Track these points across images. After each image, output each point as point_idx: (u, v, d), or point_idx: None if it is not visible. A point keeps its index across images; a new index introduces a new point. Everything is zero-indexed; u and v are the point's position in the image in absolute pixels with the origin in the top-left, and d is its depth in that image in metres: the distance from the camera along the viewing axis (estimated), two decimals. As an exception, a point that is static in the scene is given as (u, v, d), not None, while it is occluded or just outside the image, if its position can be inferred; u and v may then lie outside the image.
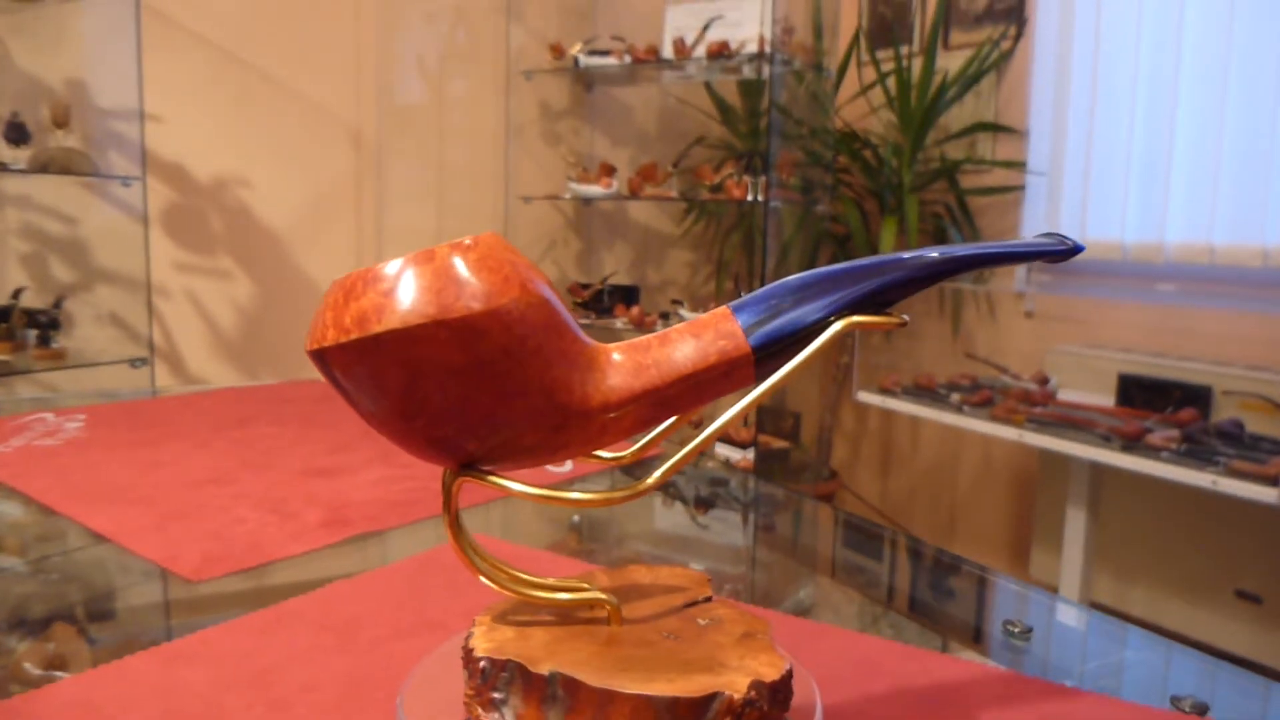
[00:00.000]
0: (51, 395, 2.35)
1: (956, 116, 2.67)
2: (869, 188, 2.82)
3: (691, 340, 0.35)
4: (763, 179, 2.51)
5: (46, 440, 0.97)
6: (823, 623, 0.60)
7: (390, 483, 0.87)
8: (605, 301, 2.94)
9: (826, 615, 0.71)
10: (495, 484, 0.37)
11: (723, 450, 2.91)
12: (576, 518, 0.90)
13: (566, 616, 0.39)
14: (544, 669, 0.34)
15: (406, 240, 2.79)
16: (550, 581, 0.40)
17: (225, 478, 0.87)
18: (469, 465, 0.37)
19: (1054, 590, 2.23)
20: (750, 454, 2.81)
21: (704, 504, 1.05)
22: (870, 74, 2.79)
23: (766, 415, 3.02)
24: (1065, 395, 2.35)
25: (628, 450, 0.40)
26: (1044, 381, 2.38)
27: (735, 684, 0.32)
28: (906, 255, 0.36)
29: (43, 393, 2.34)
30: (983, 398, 2.31)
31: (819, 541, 0.93)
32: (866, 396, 2.52)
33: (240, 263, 2.59)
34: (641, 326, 2.82)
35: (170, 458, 0.93)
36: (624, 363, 0.35)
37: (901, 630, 0.65)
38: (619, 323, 2.85)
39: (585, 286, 2.99)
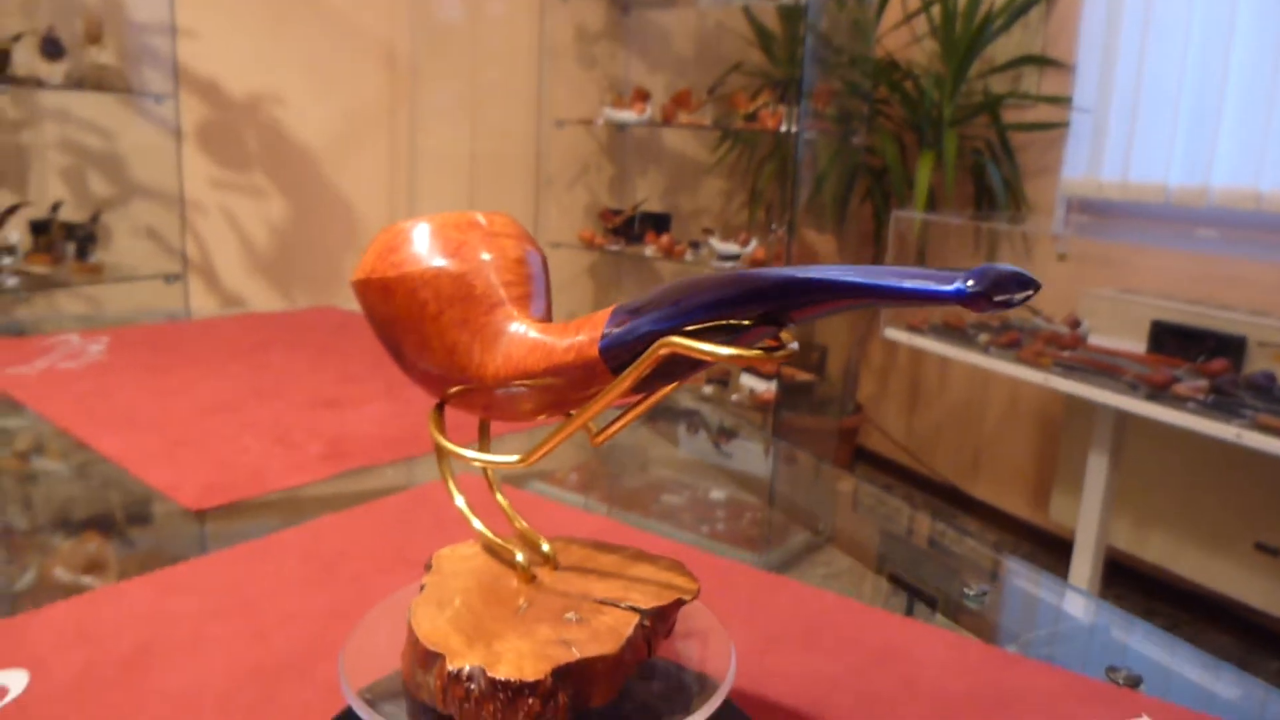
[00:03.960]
0: (85, 313, 2.41)
1: (1002, 48, 2.58)
2: (908, 120, 2.75)
3: (574, 332, 0.34)
4: (796, 109, 2.46)
5: (69, 363, 1.01)
6: (785, 576, 0.62)
7: (392, 418, 0.89)
8: (636, 228, 2.92)
9: (805, 565, 0.72)
10: (433, 430, 0.40)
11: (747, 381, 2.92)
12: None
13: (511, 563, 0.41)
14: (417, 592, 0.39)
15: (439, 162, 2.79)
16: (523, 527, 0.41)
17: (235, 405, 0.90)
18: (443, 404, 0.41)
19: (1071, 533, 2.23)
20: (773, 386, 2.82)
21: (725, 434, 1.07)
22: (914, 1, 2.70)
23: (793, 349, 3.01)
24: (1096, 340, 2.31)
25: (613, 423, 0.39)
26: (1075, 325, 2.35)
27: (466, 656, 0.33)
28: (779, 272, 0.29)
29: (80, 305, 2.41)
30: (1010, 339, 2.29)
31: (819, 490, 0.95)
32: (894, 334, 2.51)
33: (274, 180, 2.61)
34: (671, 255, 2.81)
35: (184, 384, 0.97)
36: (527, 343, 0.36)
37: (871, 586, 0.66)
38: (648, 250, 2.84)
39: (617, 213, 2.97)
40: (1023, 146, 2.61)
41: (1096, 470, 2.19)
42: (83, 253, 2.30)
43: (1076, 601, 0.59)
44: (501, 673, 0.32)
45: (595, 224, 3.04)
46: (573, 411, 0.37)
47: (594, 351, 0.33)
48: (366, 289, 0.38)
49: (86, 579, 0.75)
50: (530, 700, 0.32)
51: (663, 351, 0.31)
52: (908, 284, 0.26)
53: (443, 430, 0.40)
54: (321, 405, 0.92)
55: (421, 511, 0.68)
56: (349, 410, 0.91)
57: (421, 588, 0.40)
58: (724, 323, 0.31)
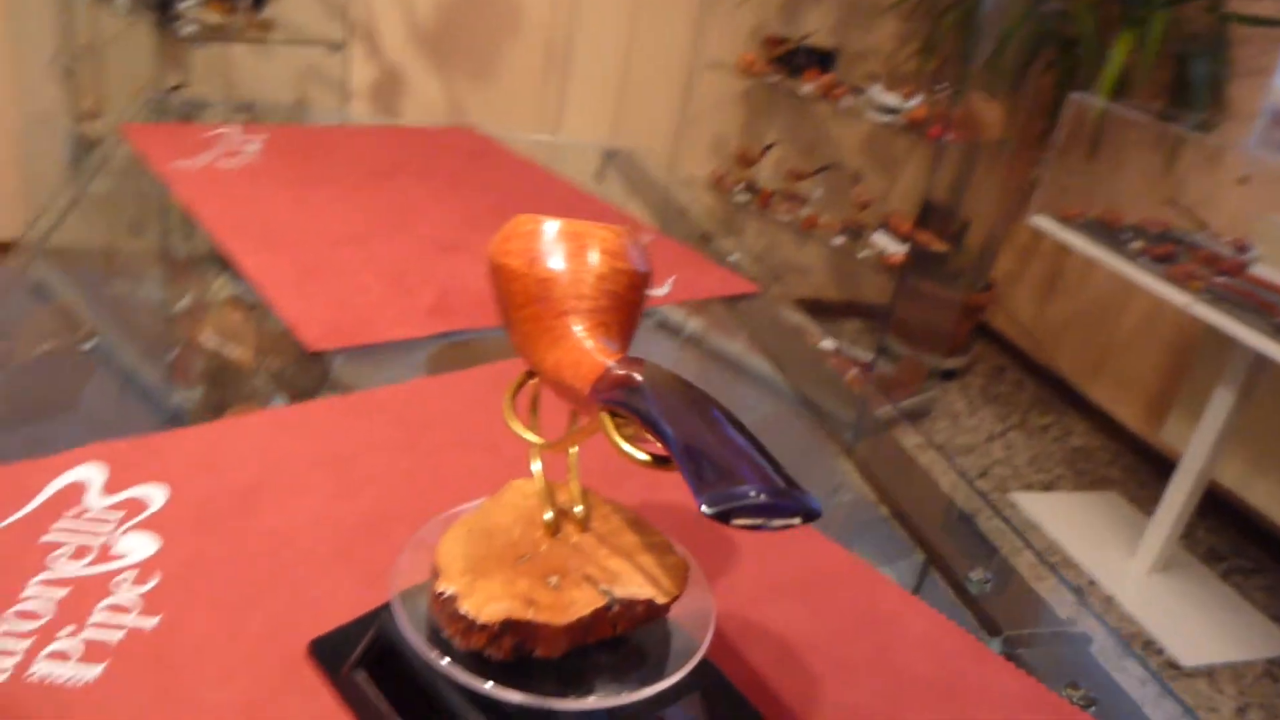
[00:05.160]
0: (249, 72, 2.52)
1: (1249, -78, 2.27)
2: (1117, -11, 2.49)
3: (602, 359, 0.38)
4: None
5: (227, 161, 1.10)
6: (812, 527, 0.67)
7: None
8: (799, 60, 2.80)
9: (844, 504, 0.77)
10: (506, 396, 0.45)
11: (880, 239, 2.86)
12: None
13: (546, 509, 0.47)
14: (449, 519, 0.47)
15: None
16: (573, 487, 0.46)
17: (363, 237, 0.98)
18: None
19: (1178, 457, 2.19)
20: (904, 250, 2.76)
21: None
22: None
23: (934, 214, 2.91)
24: (1260, 271, 2.16)
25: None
26: (1242, 250, 2.19)
27: (454, 581, 0.41)
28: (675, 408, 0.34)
29: (247, 62, 2.52)
30: (1165, 251, 2.16)
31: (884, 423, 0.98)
32: (1041, 221, 2.39)
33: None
34: (829, 96, 2.70)
35: (324, 202, 1.05)
36: (573, 354, 0.40)
37: (893, 545, 0.71)
38: (807, 87, 2.74)
39: (781, 41, 2.85)
40: (1239, 41, 2.34)
41: (1220, 404, 2.11)
42: (257, 5, 2.38)
43: (1077, 610, 0.62)
44: (464, 606, 0.39)
45: (759, 49, 2.93)
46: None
47: (586, 392, 0.38)
48: (488, 266, 0.44)
49: (228, 347, 0.87)
50: (478, 635, 0.39)
51: (594, 430, 0.36)
52: (688, 471, 0.30)
53: (515, 393, 0.46)
54: (440, 249, 0.99)
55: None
56: (464, 258, 0.98)
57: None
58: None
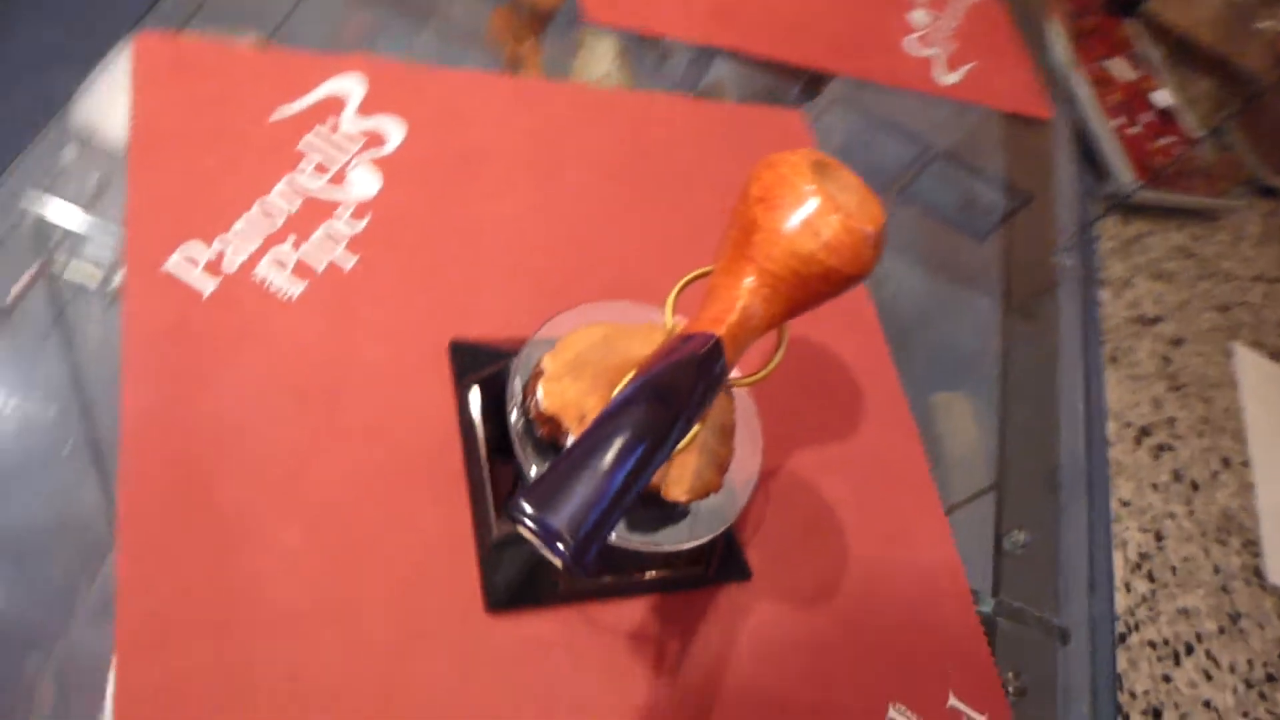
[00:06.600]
0: None
1: None
2: None
3: (717, 311, 0.43)
4: None
5: None
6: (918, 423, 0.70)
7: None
8: None
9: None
10: (673, 294, 0.49)
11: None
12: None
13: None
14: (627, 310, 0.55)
15: None
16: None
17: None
18: None
19: None
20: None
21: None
22: None
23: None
24: None
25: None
26: None
27: (552, 366, 0.49)
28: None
29: None
30: None
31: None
32: None
33: None
34: None
35: None
36: (722, 293, 0.43)
37: (979, 460, 0.74)
38: None
39: None
40: None
41: None
42: None
43: (1080, 611, 0.67)
44: (540, 390, 0.48)
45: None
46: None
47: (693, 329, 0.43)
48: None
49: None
50: (535, 410, 0.48)
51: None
52: (546, 469, 0.36)
53: (685, 286, 0.48)
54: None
55: (750, 136, 0.76)
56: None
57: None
58: None
